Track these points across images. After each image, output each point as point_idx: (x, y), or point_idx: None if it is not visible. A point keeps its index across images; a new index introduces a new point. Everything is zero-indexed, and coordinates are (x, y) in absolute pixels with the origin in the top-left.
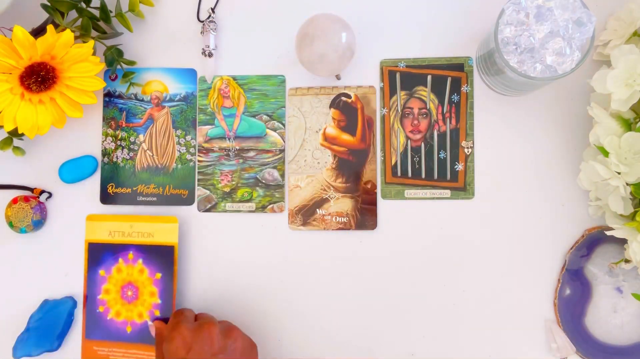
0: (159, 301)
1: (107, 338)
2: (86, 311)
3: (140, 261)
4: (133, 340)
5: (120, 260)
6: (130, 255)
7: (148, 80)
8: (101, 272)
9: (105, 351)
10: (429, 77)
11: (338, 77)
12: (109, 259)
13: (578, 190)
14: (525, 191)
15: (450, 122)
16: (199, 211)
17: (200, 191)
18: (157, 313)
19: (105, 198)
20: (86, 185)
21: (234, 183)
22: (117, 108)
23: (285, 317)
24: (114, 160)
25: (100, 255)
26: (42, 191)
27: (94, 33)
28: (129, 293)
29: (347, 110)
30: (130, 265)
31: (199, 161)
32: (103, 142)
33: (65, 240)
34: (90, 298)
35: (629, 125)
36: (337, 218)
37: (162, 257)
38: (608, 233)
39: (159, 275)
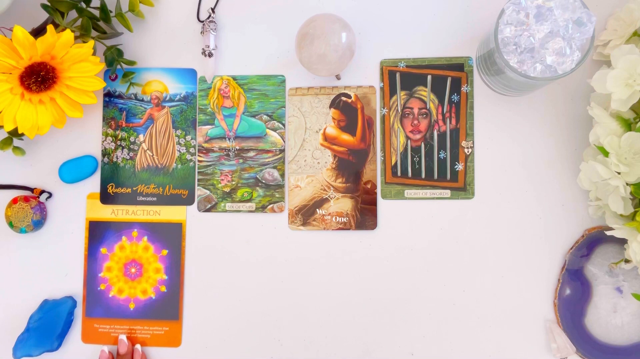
0: (165, 277)
1: (109, 316)
2: (86, 290)
3: (145, 238)
4: (136, 316)
5: (123, 238)
6: (135, 232)
7: (148, 80)
8: (102, 250)
9: (106, 329)
10: (429, 77)
11: (338, 77)
12: (112, 237)
13: (578, 190)
14: (525, 191)
15: (450, 122)
16: (199, 211)
17: (200, 191)
18: (163, 289)
19: (105, 198)
20: (86, 185)
21: (234, 183)
22: (117, 108)
23: (285, 317)
24: (114, 160)
25: (101, 233)
26: (42, 191)
27: (94, 33)
28: (133, 270)
29: (347, 110)
30: (135, 243)
31: (199, 161)
32: (103, 142)
33: (65, 240)
34: (90, 276)
35: (629, 125)
36: (337, 218)
37: (169, 234)
38: (608, 233)
39: (165, 252)
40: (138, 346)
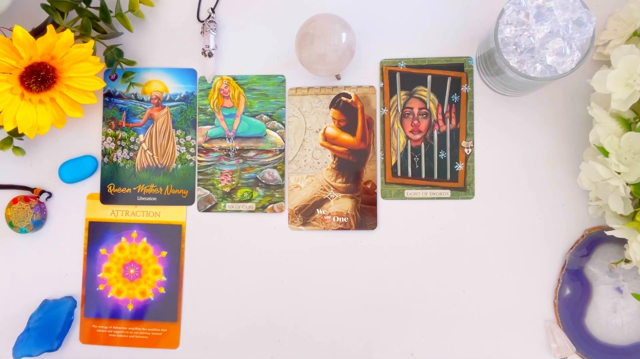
0: (164, 278)
1: (107, 316)
2: (85, 290)
3: (144, 239)
4: (135, 317)
5: (123, 239)
6: (134, 233)
7: (148, 80)
8: (102, 251)
9: (104, 329)
10: (429, 77)
11: (338, 77)
12: (111, 238)
13: (578, 190)
14: (525, 191)
15: (450, 122)
16: (199, 211)
17: (200, 191)
18: (162, 291)
19: (105, 198)
20: (86, 185)
21: (234, 183)
22: (117, 108)
23: (285, 317)
24: (114, 160)
25: (101, 233)
26: (42, 191)
27: (94, 33)
28: (132, 271)
29: (347, 110)
30: (134, 244)
31: (199, 161)
32: (103, 142)
33: (65, 240)
34: (89, 276)
35: (629, 125)
36: (337, 218)
37: (169, 235)
38: (608, 233)
39: (164, 253)
40: None
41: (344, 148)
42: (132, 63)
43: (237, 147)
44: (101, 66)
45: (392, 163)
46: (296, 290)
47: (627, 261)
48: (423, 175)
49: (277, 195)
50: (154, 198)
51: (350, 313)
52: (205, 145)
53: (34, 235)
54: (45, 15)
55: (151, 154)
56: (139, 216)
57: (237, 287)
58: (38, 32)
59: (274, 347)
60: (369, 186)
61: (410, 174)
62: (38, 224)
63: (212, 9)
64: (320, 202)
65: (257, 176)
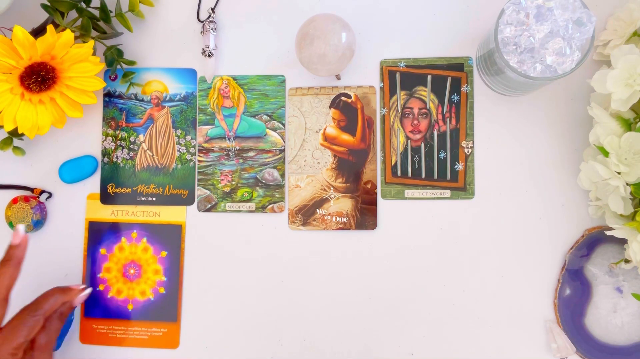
0: (164, 278)
1: (107, 316)
2: None
3: (144, 239)
4: (134, 318)
5: (123, 239)
6: (134, 233)
7: (148, 80)
8: (102, 251)
9: (104, 329)
10: (429, 77)
11: (338, 77)
12: (111, 238)
13: (578, 190)
14: (525, 191)
15: (450, 122)
16: (199, 211)
17: (200, 191)
18: (162, 291)
19: (105, 198)
20: (86, 185)
21: (234, 183)
22: (117, 108)
23: (285, 317)
24: (114, 160)
25: (101, 233)
26: (42, 191)
27: (94, 33)
28: (132, 271)
29: (347, 110)
30: (134, 244)
31: (199, 161)
32: (103, 142)
33: (65, 240)
34: (89, 276)
35: (629, 125)
36: (337, 218)
37: (169, 236)
38: (608, 233)
39: (164, 253)
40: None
41: (344, 148)
42: (132, 63)
43: (237, 147)
44: (101, 66)
45: (392, 163)
46: (296, 290)
47: (627, 261)
48: (423, 175)
49: (277, 195)
50: (154, 198)
51: (350, 313)
52: (205, 145)
53: (34, 235)
54: (45, 15)
55: (151, 154)
56: (139, 216)
57: (237, 287)
58: (38, 32)
59: (274, 347)
60: (369, 186)
61: (410, 174)
62: (38, 224)
63: (212, 9)
64: (320, 202)
65: (257, 176)
